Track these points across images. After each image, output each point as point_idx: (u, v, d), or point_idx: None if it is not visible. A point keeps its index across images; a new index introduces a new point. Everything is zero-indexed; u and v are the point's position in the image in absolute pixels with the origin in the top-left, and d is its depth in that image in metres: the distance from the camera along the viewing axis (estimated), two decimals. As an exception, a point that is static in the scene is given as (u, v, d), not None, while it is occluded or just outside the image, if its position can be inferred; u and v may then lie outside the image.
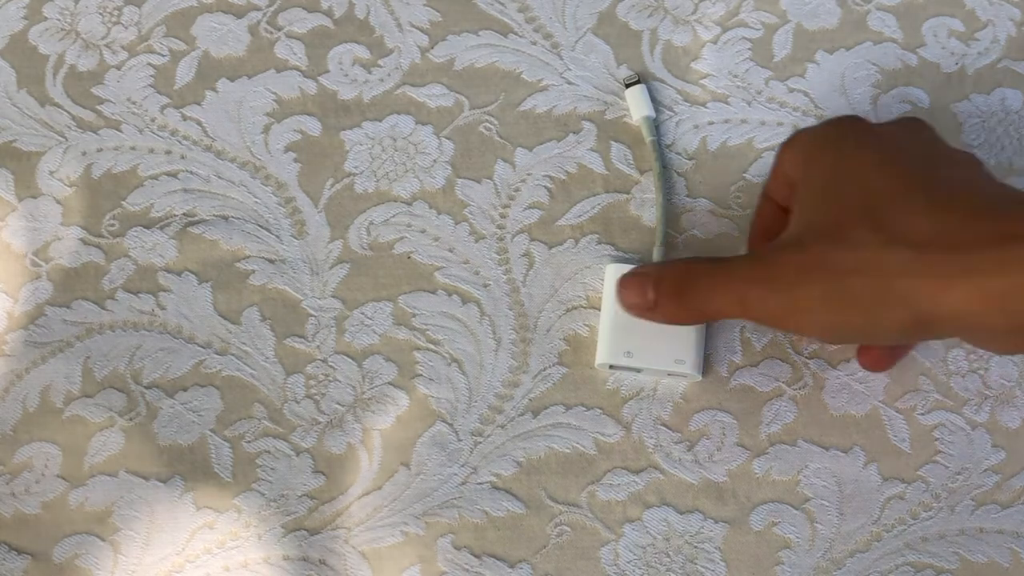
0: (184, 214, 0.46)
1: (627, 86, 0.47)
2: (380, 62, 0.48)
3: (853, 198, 0.35)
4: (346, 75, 0.48)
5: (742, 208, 0.46)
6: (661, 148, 0.46)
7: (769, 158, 0.46)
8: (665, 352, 0.42)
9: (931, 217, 0.34)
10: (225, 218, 0.46)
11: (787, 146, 0.40)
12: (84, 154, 0.47)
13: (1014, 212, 0.33)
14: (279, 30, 0.48)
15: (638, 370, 0.43)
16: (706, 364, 0.44)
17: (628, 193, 0.46)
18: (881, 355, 0.42)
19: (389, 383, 0.44)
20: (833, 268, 0.35)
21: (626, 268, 0.42)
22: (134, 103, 0.47)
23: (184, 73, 0.48)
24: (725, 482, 0.43)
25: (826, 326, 0.36)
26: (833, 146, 0.38)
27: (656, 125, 0.46)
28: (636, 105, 0.46)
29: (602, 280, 0.45)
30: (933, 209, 0.34)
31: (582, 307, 0.45)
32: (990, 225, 0.33)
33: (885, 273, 0.33)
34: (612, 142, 0.47)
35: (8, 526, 0.43)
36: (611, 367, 0.43)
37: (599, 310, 0.45)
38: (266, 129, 0.47)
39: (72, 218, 0.46)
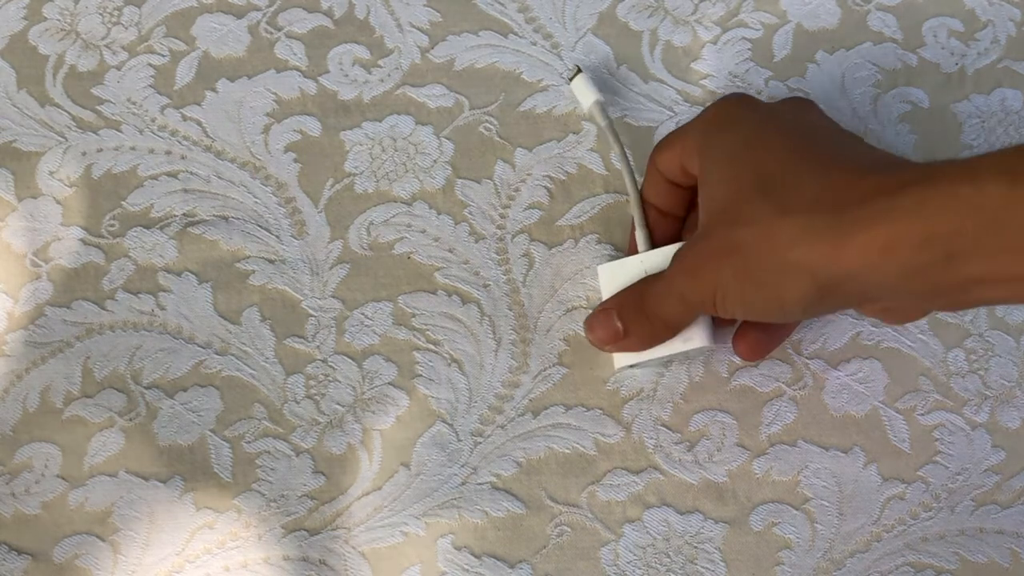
0: (184, 214, 0.46)
1: (569, 80, 0.46)
2: (380, 62, 0.48)
3: (746, 176, 0.36)
4: (346, 75, 0.48)
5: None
6: (615, 131, 0.45)
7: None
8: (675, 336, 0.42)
9: (818, 183, 0.34)
10: (225, 218, 0.46)
11: (668, 149, 0.41)
12: (84, 154, 0.47)
13: (895, 170, 0.34)
14: (279, 30, 0.48)
15: (655, 361, 0.43)
16: (706, 364, 0.44)
17: (628, 193, 0.46)
18: (757, 343, 0.42)
19: (389, 383, 0.44)
20: (736, 247, 0.35)
21: (616, 265, 0.42)
22: (134, 103, 0.47)
23: (184, 73, 0.48)
24: (725, 482, 0.43)
25: (744, 305, 0.37)
26: (724, 130, 0.39)
27: (605, 107, 0.46)
28: (583, 94, 0.46)
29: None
30: (819, 175, 0.35)
31: (582, 307, 0.45)
32: (872, 182, 0.33)
33: (781, 244, 0.34)
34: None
35: (8, 526, 0.43)
36: (631, 367, 0.43)
37: (599, 310, 0.45)
38: (266, 129, 0.47)
39: (72, 218, 0.46)
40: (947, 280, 0.32)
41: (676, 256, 0.39)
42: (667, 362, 0.44)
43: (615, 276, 0.42)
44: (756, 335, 0.42)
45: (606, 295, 0.43)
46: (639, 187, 0.43)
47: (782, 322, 0.41)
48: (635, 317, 0.40)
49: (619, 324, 0.40)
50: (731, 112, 0.39)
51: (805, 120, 0.39)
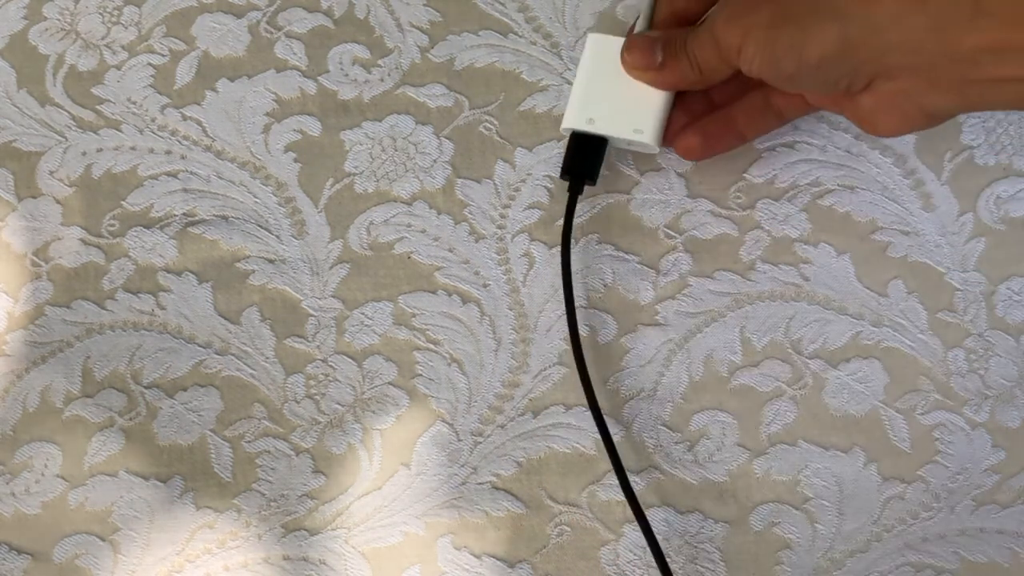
0: (184, 214, 0.46)
1: None
2: (380, 62, 0.48)
3: None
4: (346, 75, 0.48)
5: (742, 208, 0.46)
6: None
7: (770, 158, 0.46)
8: (626, 121, 0.43)
9: None
10: (225, 218, 0.46)
11: None
12: (84, 154, 0.47)
13: None
14: (279, 30, 0.48)
15: (599, 137, 0.44)
16: (706, 363, 0.44)
17: (628, 193, 0.46)
18: (700, 142, 0.43)
19: (389, 383, 0.44)
20: None
21: (610, 38, 0.44)
22: (134, 103, 0.47)
23: (184, 73, 0.48)
24: (725, 482, 0.43)
25: (764, 52, 0.37)
26: None
27: None
28: None
29: (602, 279, 0.45)
30: None
31: (582, 307, 0.45)
32: None
33: None
34: (612, 142, 0.47)
35: (8, 526, 0.43)
36: (574, 132, 0.44)
37: (599, 310, 0.45)
38: (266, 129, 0.47)
39: (72, 218, 0.46)
40: (968, 42, 0.33)
41: (720, 2, 0.39)
42: (627, 143, 0.44)
43: (601, 49, 0.44)
44: (698, 136, 0.43)
45: (583, 66, 0.44)
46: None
47: (790, 88, 0.41)
48: (675, 52, 0.41)
49: (660, 55, 0.41)
50: None
51: None
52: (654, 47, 0.41)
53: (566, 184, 0.44)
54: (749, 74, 0.39)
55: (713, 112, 0.43)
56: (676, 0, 0.43)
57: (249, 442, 0.44)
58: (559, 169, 0.46)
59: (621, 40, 0.43)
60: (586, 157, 0.44)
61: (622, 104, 0.43)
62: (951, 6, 0.33)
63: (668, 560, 0.42)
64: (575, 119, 0.44)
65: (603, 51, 0.44)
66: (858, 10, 0.34)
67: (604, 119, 0.43)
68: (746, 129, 0.44)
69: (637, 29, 0.44)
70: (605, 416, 0.44)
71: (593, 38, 0.44)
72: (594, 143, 0.44)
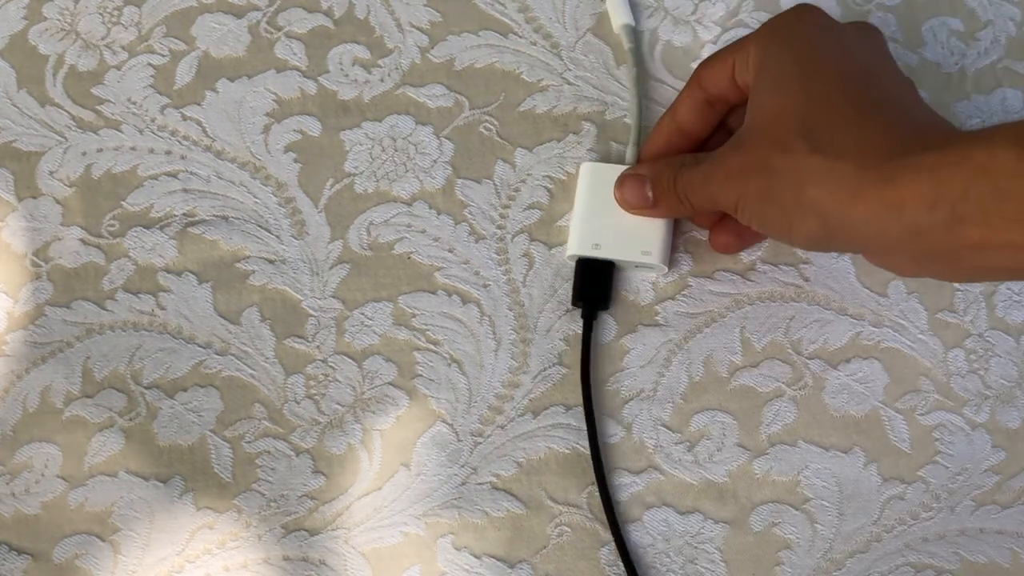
0: (184, 214, 0.46)
1: None
2: (380, 62, 0.48)
3: (791, 104, 0.37)
4: (346, 75, 0.48)
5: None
6: (640, 54, 0.47)
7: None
8: (633, 244, 0.43)
9: (853, 131, 0.35)
10: (225, 218, 0.46)
11: (720, 62, 0.41)
12: (84, 154, 0.47)
13: (925, 131, 0.35)
14: (279, 30, 0.48)
15: (607, 262, 0.44)
16: (706, 364, 0.44)
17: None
18: (734, 240, 0.44)
19: (389, 383, 0.44)
20: (766, 169, 0.37)
21: (603, 166, 0.44)
22: (134, 103, 0.47)
23: (184, 73, 0.48)
24: (725, 483, 0.43)
25: (758, 221, 0.38)
26: (783, 45, 0.39)
27: (636, 33, 0.47)
28: (616, 13, 0.48)
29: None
30: (856, 123, 0.36)
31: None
32: (899, 140, 0.34)
33: (804, 180, 0.35)
34: (612, 142, 0.47)
35: (8, 526, 0.43)
36: (580, 259, 0.44)
37: (599, 310, 0.45)
38: (266, 129, 0.47)
39: (72, 218, 0.46)
40: (947, 244, 0.33)
41: (717, 156, 0.40)
42: (634, 266, 0.44)
43: (595, 177, 0.44)
44: (731, 236, 0.44)
45: (580, 194, 0.44)
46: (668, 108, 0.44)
47: (789, 245, 0.43)
48: (666, 193, 0.42)
49: (650, 194, 0.42)
50: (791, 29, 0.40)
51: (863, 53, 0.39)
52: (643, 186, 0.42)
53: (566, 184, 0.44)
54: (744, 223, 0.40)
55: None
56: (688, 119, 0.43)
57: (249, 442, 0.44)
58: (559, 169, 0.46)
59: (613, 167, 0.44)
60: (596, 282, 0.44)
61: (625, 228, 0.43)
62: (927, 214, 0.32)
63: (668, 560, 0.42)
64: (580, 246, 0.44)
65: (597, 179, 0.44)
66: (837, 210, 0.35)
67: (609, 244, 0.44)
68: None
69: (627, 156, 0.45)
70: (605, 416, 0.44)
71: (586, 167, 0.45)
72: (602, 267, 0.44)
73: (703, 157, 0.40)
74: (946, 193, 0.32)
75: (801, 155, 0.36)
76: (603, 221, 0.44)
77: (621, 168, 0.44)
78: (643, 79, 0.47)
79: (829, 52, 0.38)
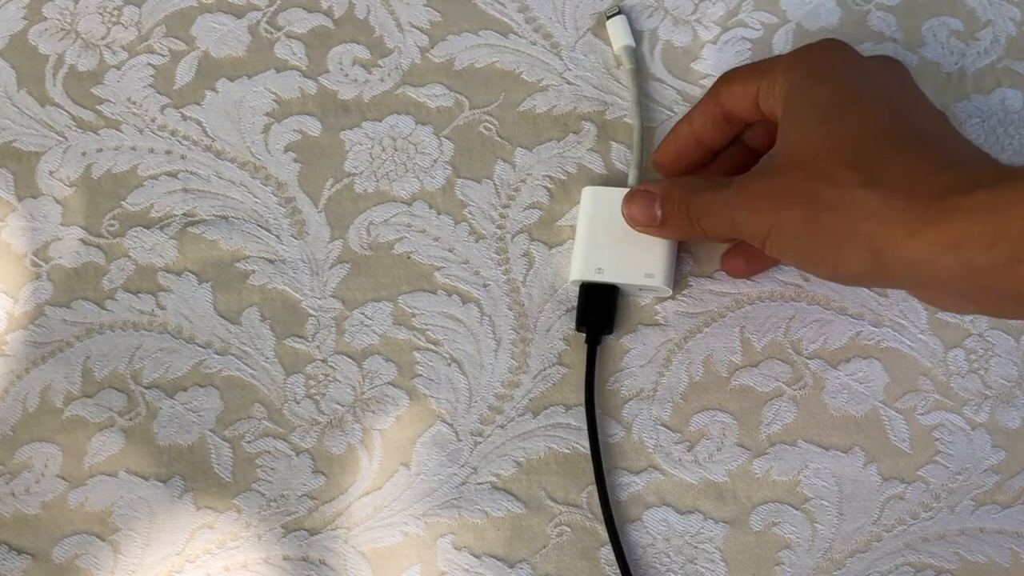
0: (184, 214, 0.46)
1: (608, 17, 0.48)
2: (380, 62, 0.48)
3: (837, 138, 0.36)
4: (346, 75, 0.48)
5: (742, 208, 0.46)
6: (639, 75, 0.47)
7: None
8: (636, 267, 0.43)
9: (905, 165, 0.35)
10: (225, 218, 0.46)
11: (742, 83, 0.40)
12: (84, 154, 0.47)
13: (972, 165, 0.34)
14: (279, 30, 0.48)
15: (609, 285, 0.44)
16: (706, 363, 0.44)
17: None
18: (744, 264, 0.44)
19: (389, 383, 0.44)
20: (810, 199, 0.36)
21: (605, 189, 0.44)
22: (134, 103, 0.47)
23: (184, 73, 0.48)
24: (725, 482, 0.43)
25: (794, 253, 0.37)
26: (816, 80, 0.38)
27: (636, 55, 0.47)
28: (617, 36, 0.47)
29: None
30: (905, 156, 0.35)
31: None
32: (952, 175, 0.34)
33: (857, 213, 0.34)
34: (612, 142, 0.47)
35: (8, 526, 0.43)
36: (583, 284, 0.44)
37: (599, 310, 0.45)
38: (266, 129, 0.47)
39: (72, 218, 0.46)
40: (1006, 283, 0.32)
41: (741, 182, 0.38)
42: (638, 289, 0.44)
43: (598, 201, 0.44)
44: (744, 259, 0.44)
45: (583, 218, 0.44)
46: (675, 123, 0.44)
47: (828, 280, 0.41)
48: (677, 214, 0.40)
49: (659, 212, 0.41)
50: (825, 61, 0.39)
51: (897, 87, 0.39)
52: (653, 203, 0.41)
53: (566, 184, 0.44)
54: (769, 255, 0.39)
55: None
56: (704, 131, 0.42)
57: (249, 442, 0.44)
58: (559, 169, 0.46)
59: (616, 191, 0.43)
60: (599, 307, 0.44)
61: (628, 251, 0.43)
62: (985, 254, 0.32)
63: (668, 560, 0.42)
64: (583, 271, 0.43)
65: (600, 202, 0.44)
66: (891, 246, 0.34)
67: (613, 268, 0.43)
68: None
69: (629, 179, 0.45)
70: (605, 416, 0.44)
71: (588, 192, 0.44)
72: (605, 291, 0.44)
73: (721, 182, 0.39)
74: (1004, 232, 0.31)
75: (851, 188, 0.35)
76: (606, 245, 0.43)
77: (623, 191, 0.43)
78: (645, 102, 0.47)
79: (867, 86, 0.38)
